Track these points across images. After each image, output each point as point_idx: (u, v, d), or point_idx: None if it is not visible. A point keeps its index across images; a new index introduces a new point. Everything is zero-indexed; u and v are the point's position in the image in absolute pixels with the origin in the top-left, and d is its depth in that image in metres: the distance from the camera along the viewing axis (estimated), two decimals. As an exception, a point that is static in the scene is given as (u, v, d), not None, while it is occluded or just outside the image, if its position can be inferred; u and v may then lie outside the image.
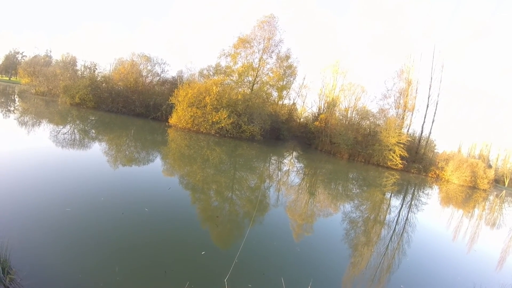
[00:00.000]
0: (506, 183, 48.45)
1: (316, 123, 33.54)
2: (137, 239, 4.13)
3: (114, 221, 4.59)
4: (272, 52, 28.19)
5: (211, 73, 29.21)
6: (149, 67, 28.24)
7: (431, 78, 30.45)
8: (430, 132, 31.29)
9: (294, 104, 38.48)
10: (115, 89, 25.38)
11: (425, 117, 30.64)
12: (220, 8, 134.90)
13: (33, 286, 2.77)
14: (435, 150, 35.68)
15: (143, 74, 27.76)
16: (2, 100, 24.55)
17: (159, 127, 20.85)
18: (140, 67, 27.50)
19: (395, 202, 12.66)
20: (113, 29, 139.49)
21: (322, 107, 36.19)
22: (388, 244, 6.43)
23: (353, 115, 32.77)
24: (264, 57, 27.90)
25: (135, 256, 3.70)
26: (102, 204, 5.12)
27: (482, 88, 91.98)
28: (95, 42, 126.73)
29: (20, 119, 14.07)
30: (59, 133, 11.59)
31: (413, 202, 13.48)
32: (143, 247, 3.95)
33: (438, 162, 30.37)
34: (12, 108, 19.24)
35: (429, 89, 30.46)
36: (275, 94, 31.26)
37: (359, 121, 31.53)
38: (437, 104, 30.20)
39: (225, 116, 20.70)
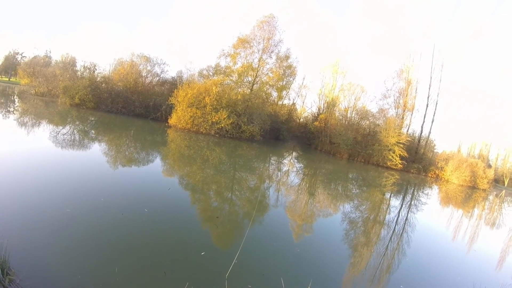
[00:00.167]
0: (506, 183, 48.42)
1: (316, 123, 33.57)
2: (137, 240, 4.13)
3: (114, 221, 4.59)
4: (272, 52, 28.20)
5: (211, 73, 29.18)
6: (148, 68, 28.27)
7: (431, 77, 30.49)
8: (429, 132, 31.35)
9: (293, 104, 38.59)
10: (114, 89, 25.38)
11: (424, 117, 30.70)
12: (220, 8, 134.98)
13: (32, 287, 2.77)
14: (435, 150, 35.74)
15: (143, 75, 27.76)
16: (2, 101, 24.52)
17: (158, 128, 20.84)
18: (140, 67, 27.50)
19: (395, 202, 12.66)
20: (113, 29, 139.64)
21: (322, 107, 36.25)
22: (388, 244, 6.43)
23: (353, 115, 32.79)
24: (264, 57, 27.92)
25: (134, 257, 3.70)
26: (102, 205, 5.12)
27: (482, 88, 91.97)
28: (95, 42, 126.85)
29: (19, 120, 14.05)
30: (58, 133, 11.58)
31: (412, 202, 13.48)
32: (143, 248, 3.95)
33: (438, 162, 30.38)
34: (11, 109, 19.22)
35: (429, 89, 30.49)
36: (274, 94, 31.28)
37: (359, 121, 31.51)
38: (436, 104, 30.25)
39: (225, 116, 20.71)
